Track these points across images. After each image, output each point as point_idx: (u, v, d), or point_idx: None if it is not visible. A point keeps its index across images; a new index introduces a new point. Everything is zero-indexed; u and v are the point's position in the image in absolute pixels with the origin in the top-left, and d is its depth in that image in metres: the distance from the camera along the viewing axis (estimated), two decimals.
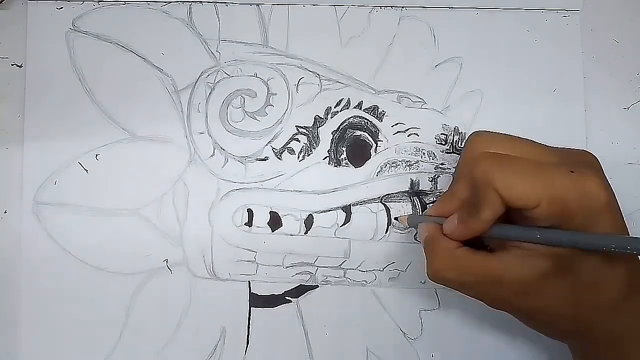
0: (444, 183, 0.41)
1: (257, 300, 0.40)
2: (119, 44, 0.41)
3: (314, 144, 0.41)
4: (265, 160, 0.41)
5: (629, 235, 0.31)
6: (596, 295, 0.31)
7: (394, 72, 0.42)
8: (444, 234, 0.33)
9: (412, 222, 0.39)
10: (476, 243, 0.33)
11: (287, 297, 0.40)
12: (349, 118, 0.41)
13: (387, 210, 0.41)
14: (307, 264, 0.40)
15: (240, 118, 0.41)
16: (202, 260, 0.40)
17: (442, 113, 0.41)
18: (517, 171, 0.30)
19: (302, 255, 0.40)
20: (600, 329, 0.32)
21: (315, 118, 0.41)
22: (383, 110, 0.41)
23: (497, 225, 0.31)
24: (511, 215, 0.31)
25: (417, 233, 0.39)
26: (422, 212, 0.40)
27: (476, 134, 0.34)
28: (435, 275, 0.33)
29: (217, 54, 0.41)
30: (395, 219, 0.40)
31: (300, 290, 0.40)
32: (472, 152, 0.33)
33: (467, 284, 0.32)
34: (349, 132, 0.41)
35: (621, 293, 0.31)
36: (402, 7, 0.42)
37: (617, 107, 0.42)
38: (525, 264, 0.31)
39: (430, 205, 0.40)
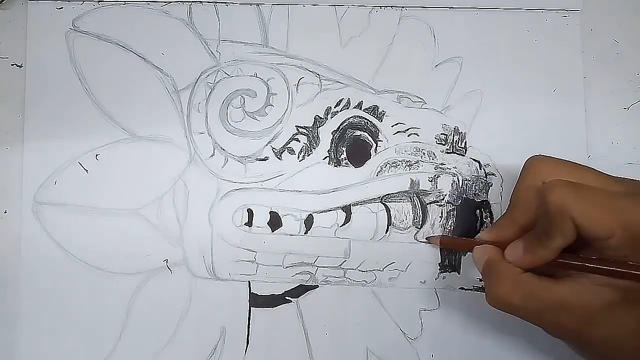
0: (443, 183, 0.41)
1: (257, 300, 0.40)
2: (119, 44, 0.41)
3: (314, 144, 0.41)
4: (265, 160, 0.41)
5: None
6: None
7: (394, 72, 0.42)
8: (507, 261, 0.33)
9: (447, 244, 0.39)
10: (536, 270, 0.33)
11: (287, 297, 0.40)
12: (349, 118, 0.41)
13: (387, 210, 0.41)
14: (307, 264, 0.40)
15: (240, 118, 0.41)
16: (202, 260, 0.40)
17: (442, 113, 0.41)
18: (593, 200, 0.30)
19: (302, 255, 0.40)
20: None
21: (315, 118, 0.41)
22: (383, 110, 0.41)
23: (566, 254, 0.31)
24: (576, 242, 0.31)
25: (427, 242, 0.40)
26: (421, 212, 0.40)
27: (536, 158, 0.34)
28: (498, 301, 0.32)
29: (217, 54, 0.41)
30: (427, 239, 0.40)
31: (300, 290, 0.40)
32: (538, 177, 0.33)
33: (531, 310, 0.32)
34: (349, 132, 0.41)
35: None
36: (402, 7, 0.42)
37: (617, 107, 0.42)
38: (592, 292, 0.30)
39: (483, 229, 0.39)
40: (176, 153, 0.41)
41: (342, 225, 0.41)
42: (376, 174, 0.41)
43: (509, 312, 0.32)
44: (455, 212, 0.41)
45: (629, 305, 0.30)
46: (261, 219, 0.40)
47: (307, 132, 0.41)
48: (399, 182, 0.41)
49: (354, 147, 0.41)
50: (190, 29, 0.41)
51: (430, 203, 0.41)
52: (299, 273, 0.40)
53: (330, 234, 0.40)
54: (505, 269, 0.33)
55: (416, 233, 0.40)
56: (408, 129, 0.41)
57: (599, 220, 0.30)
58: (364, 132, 0.41)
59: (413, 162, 0.41)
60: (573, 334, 0.32)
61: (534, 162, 0.34)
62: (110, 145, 0.41)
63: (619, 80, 0.43)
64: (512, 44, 0.42)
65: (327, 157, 0.41)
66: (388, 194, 0.41)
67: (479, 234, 0.37)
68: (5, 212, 0.40)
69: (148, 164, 0.40)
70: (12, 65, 0.41)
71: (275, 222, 0.40)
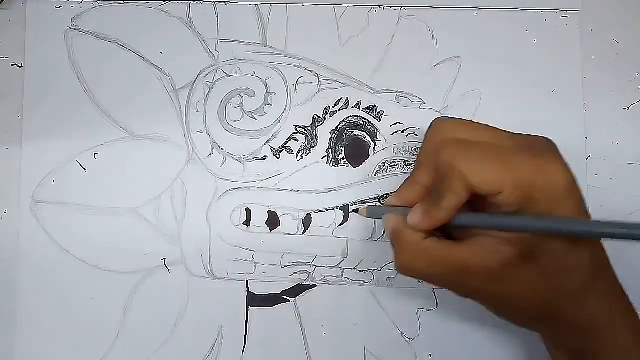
0: None
1: (255, 300, 0.40)
2: (117, 43, 0.41)
3: (313, 144, 0.41)
4: (263, 159, 0.41)
5: (590, 218, 0.31)
6: (563, 280, 0.31)
7: (392, 72, 0.42)
8: (410, 225, 0.33)
9: (373, 213, 0.37)
10: (443, 233, 0.33)
11: (285, 297, 0.40)
12: (347, 118, 0.41)
13: None
14: (305, 263, 0.40)
15: (238, 117, 0.41)
16: (199, 259, 0.40)
17: (441, 113, 0.41)
18: (481, 157, 0.30)
19: (300, 254, 0.40)
20: (569, 314, 0.31)
21: (313, 117, 0.41)
22: (382, 110, 0.41)
23: (461, 214, 0.31)
24: (474, 203, 0.31)
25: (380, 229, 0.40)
26: None
27: (439, 119, 0.34)
28: (403, 268, 0.33)
29: (215, 53, 0.41)
30: (354, 211, 0.40)
31: (298, 290, 0.40)
32: (435, 138, 0.33)
33: (436, 275, 0.32)
34: (348, 132, 0.41)
35: (586, 277, 0.31)
36: (401, 6, 0.42)
37: (617, 107, 0.42)
38: (491, 252, 0.31)
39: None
40: (174, 152, 0.41)
41: (340, 225, 0.40)
42: (374, 173, 0.41)
43: (417, 278, 0.33)
44: None
45: (527, 260, 0.30)
46: (259, 218, 0.40)
47: (305, 132, 0.41)
48: (397, 182, 0.41)
49: (353, 146, 0.41)
50: (189, 28, 0.41)
51: None
52: (297, 272, 0.40)
53: (329, 233, 0.40)
54: (408, 236, 0.33)
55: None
56: (406, 129, 0.41)
57: (487, 176, 0.30)
58: (362, 131, 0.41)
59: (411, 162, 0.41)
60: (479, 295, 0.32)
61: (435, 123, 0.34)
62: (108, 144, 0.41)
63: (618, 80, 0.42)
64: (512, 44, 0.42)
65: (325, 156, 0.41)
66: (386, 194, 0.40)
67: (387, 199, 0.36)
68: (5, 212, 0.40)
69: (146, 163, 0.41)
70: (12, 65, 0.41)
71: (273, 221, 0.40)
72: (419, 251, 0.32)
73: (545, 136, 0.33)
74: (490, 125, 0.33)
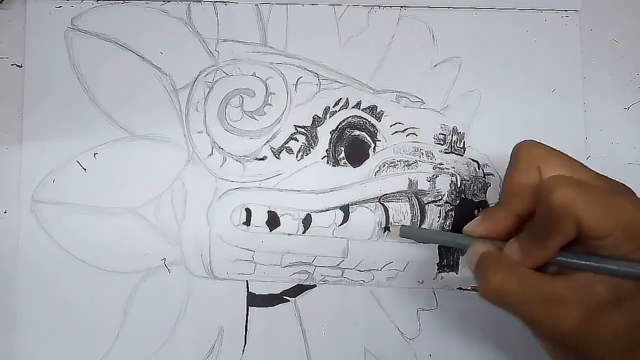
0: (442, 183, 0.41)
1: (255, 300, 0.40)
2: (117, 43, 0.41)
3: (313, 144, 0.41)
4: (263, 159, 0.41)
5: None
6: None
7: (392, 72, 0.42)
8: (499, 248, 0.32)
9: (406, 234, 0.38)
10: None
11: (285, 297, 0.40)
12: (347, 118, 0.41)
13: (386, 210, 0.40)
14: (305, 263, 0.40)
15: (238, 117, 0.41)
16: (199, 260, 0.40)
17: (441, 113, 0.41)
18: (597, 200, 0.30)
19: (300, 254, 0.40)
20: None
21: (313, 117, 0.41)
22: (382, 110, 0.41)
23: (563, 252, 0.31)
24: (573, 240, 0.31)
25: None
26: (419, 212, 0.40)
27: (530, 144, 0.33)
28: (492, 289, 0.31)
29: (215, 53, 0.41)
30: (387, 228, 0.40)
31: (298, 290, 0.40)
32: (532, 165, 0.32)
33: (526, 302, 0.30)
34: (348, 132, 0.41)
35: None
36: (401, 6, 0.42)
37: (617, 107, 0.42)
38: (589, 289, 0.30)
39: (475, 220, 0.35)
40: (174, 152, 0.41)
41: (340, 225, 0.40)
42: (374, 173, 0.41)
43: (503, 302, 0.31)
44: (453, 212, 0.40)
45: (621, 304, 0.30)
46: (259, 218, 0.40)
47: (305, 132, 0.41)
48: (397, 182, 0.41)
49: (353, 146, 0.41)
50: (189, 28, 0.41)
51: (428, 203, 0.41)
52: (297, 272, 0.40)
53: (329, 233, 0.40)
54: (503, 258, 0.32)
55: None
56: (407, 129, 0.41)
57: (601, 219, 0.29)
58: (362, 131, 0.41)
59: (411, 162, 0.41)
60: (564, 333, 0.30)
61: (526, 148, 0.33)
62: (108, 144, 0.41)
63: (619, 80, 0.42)
64: (511, 44, 0.42)
65: (325, 156, 0.41)
66: (386, 194, 0.40)
67: (467, 226, 0.35)
68: (5, 212, 0.40)
69: (146, 163, 0.41)
70: (12, 65, 0.41)
71: (273, 221, 0.40)
72: (514, 272, 0.31)
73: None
74: (579, 161, 0.33)
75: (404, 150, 0.41)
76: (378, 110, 0.41)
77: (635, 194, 0.32)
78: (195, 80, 0.41)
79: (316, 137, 0.41)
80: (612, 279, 0.30)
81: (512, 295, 0.30)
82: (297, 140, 0.41)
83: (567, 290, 0.30)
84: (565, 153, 0.33)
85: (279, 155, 0.41)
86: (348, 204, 0.41)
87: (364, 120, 0.41)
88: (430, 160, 0.41)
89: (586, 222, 0.29)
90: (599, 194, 0.30)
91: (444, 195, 0.41)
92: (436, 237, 0.39)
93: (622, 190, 0.32)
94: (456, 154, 0.41)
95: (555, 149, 0.33)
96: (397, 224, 0.40)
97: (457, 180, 0.41)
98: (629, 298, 0.30)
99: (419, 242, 0.40)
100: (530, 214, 0.32)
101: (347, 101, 0.41)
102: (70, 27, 0.41)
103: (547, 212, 0.30)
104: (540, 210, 0.31)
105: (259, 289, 0.40)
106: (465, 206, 0.40)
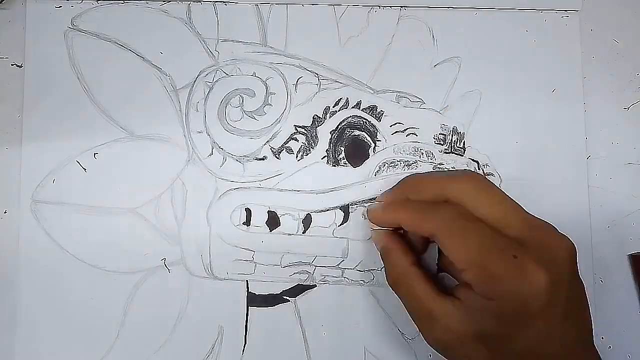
0: None
1: (255, 300, 0.40)
2: (117, 43, 0.41)
3: (313, 144, 0.41)
4: (263, 159, 0.41)
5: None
6: None
7: (392, 72, 0.42)
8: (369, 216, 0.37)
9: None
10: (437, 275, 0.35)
11: (285, 297, 0.40)
12: (347, 118, 0.41)
13: None
14: (305, 263, 0.40)
15: (238, 117, 0.41)
16: (199, 260, 0.40)
17: (441, 113, 0.41)
18: (468, 230, 0.31)
19: (300, 254, 0.40)
20: None
21: (313, 117, 0.41)
22: (382, 110, 0.41)
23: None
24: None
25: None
26: None
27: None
28: (390, 284, 0.35)
29: (215, 53, 0.41)
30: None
31: (298, 290, 0.40)
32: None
33: (408, 305, 0.34)
34: (348, 132, 0.41)
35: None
36: (401, 6, 0.42)
37: (617, 107, 0.42)
38: (460, 317, 0.32)
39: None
40: (174, 152, 0.41)
41: (340, 225, 0.40)
42: (374, 173, 0.41)
43: (398, 295, 0.35)
44: None
45: (483, 343, 0.32)
46: (259, 218, 0.40)
47: (305, 132, 0.41)
48: (397, 182, 0.40)
49: (353, 146, 0.41)
50: (189, 28, 0.41)
51: None
52: (297, 272, 0.40)
53: (329, 233, 0.40)
54: (395, 258, 0.35)
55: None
56: (407, 129, 0.41)
57: (459, 249, 0.31)
58: (362, 131, 0.41)
59: (411, 162, 0.41)
60: (430, 342, 0.33)
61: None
62: (108, 144, 0.41)
63: (619, 80, 0.43)
64: (511, 44, 0.42)
65: (325, 156, 0.41)
66: None
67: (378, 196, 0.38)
68: (5, 212, 0.40)
69: (146, 162, 0.40)
70: (12, 65, 0.41)
71: (273, 221, 0.40)
72: (402, 276, 0.34)
73: (570, 240, 0.32)
74: (518, 205, 0.33)
75: (404, 150, 0.41)
76: (378, 110, 0.41)
77: (560, 257, 0.32)
78: (195, 80, 0.41)
79: (316, 137, 0.41)
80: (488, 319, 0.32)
81: (399, 296, 0.35)
82: (297, 140, 0.41)
83: (437, 309, 0.32)
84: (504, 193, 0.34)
85: (279, 155, 0.41)
86: (348, 204, 0.41)
87: (364, 120, 0.41)
88: (430, 160, 0.41)
89: (444, 244, 0.32)
90: (482, 230, 0.32)
91: None
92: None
93: (532, 246, 0.31)
94: (456, 154, 0.41)
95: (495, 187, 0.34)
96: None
97: None
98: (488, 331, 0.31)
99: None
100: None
101: (347, 101, 0.41)
102: (70, 27, 0.41)
103: (429, 212, 0.34)
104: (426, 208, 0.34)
105: (259, 289, 0.40)
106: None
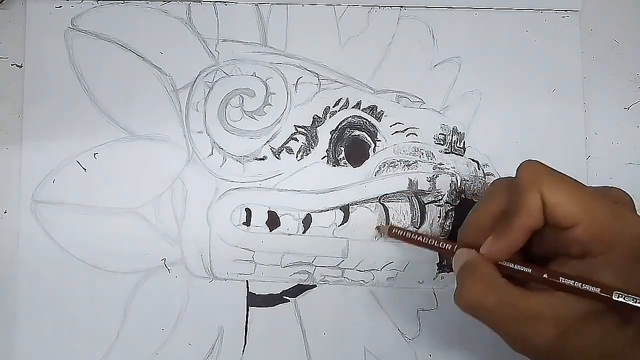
0: (442, 183, 0.41)
1: (255, 300, 0.40)
2: (117, 43, 0.41)
3: (313, 144, 0.41)
4: (263, 159, 0.41)
5: None
6: (621, 336, 0.29)
7: (392, 72, 0.42)
8: (482, 254, 0.32)
9: (393, 234, 0.39)
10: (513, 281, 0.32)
11: (285, 297, 0.40)
12: (347, 118, 0.41)
13: (386, 210, 0.40)
14: (305, 263, 0.40)
15: (238, 117, 0.41)
16: (200, 260, 0.40)
17: (441, 113, 0.41)
18: (565, 182, 0.30)
19: (300, 254, 0.40)
20: None
21: (313, 117, 0.41)
22: (382, 110, 0.41)
23: (532, 264, 0.31)
24: (544, 240, 0.31)
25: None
26: (420, 212, 0.40)
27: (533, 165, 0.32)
28: (469, 301, 0.31)
29: (215, 53, 0.41)
30: (377, 228, 0.40)
31: (298, 290, 0.40)
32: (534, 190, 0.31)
33: (502, 317, 0.30)
34: (348, 132, 0.41)
35: (636, 334, 0.30)
36: (401, 6, 0.42)
37: (617, 107, 0.42)
38: (567, 304, 0.30)
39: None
40: (174, 152, 0.41)
41: (340, 225, 0.40)
42: (374, 173, 0.41)
43: (478, 314, 0.31)
44: (453, 212, 0.40)
45: (595, 318, 0.29)
46: (259, 218, 0.40)
47: (305, 132, 0.41)
48: (397, 182, 0.41)
49: (353, 146, 0.41)
50: (189, 28, 0.41)
51: (428, 203, 0.41)
52: (297, 272, 0.40)
53: (329, 233, 0.40)
54: (484, 270, 0.31)
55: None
56: (407, 129, 0.41)
57: (567, 201, 0.29)
58: (362, 131, 0.41)
59: (411, 162, 0.41)
60: (539, 348, 0.30)
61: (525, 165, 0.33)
62: (108, 144, 0.41)
63: (619, 80, 0.42)
64: (511, 44, 0.42)
65: (325, 156, 0.41)
66: (386, 194, 0.40)
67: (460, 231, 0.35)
68: (5, 212, 0.40)
69: (146, 163, 0.40)
70: (12, 65, 0.41)
71: (273, 221, 0.40)
72: (493, 287, 0.31)
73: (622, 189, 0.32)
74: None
75: (404, 150, 0.41)
76: (378, 110, 0.41)
77: (632, 206, 0.32)
78: (195, 80, 0.41)
79: (316, 137, 0.41)
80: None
81: (487, 309, 0.30)
82: (297, 140, 0.41)
83: (544, 307, 0.30)
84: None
85: (279, 155, 0.41)
86: (348, 204, 0.41)
87: (364, 120, 0.41)
88: (430, 160, 0.41)
89: (551, 198, 0.29)
90: (570, 182, 0.30)
91: (444, 195, 0.41)
92: (422, 240, 0.38)
93: (613, 196, 0.31)
94: (456, 154, 0.41)
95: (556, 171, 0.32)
96: (389, 225, 0.40)
97: (457, 180, 0.41)
98: (602, 312, 0.29)
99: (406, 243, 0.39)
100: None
101: (347, 101, 0.41)
102: (70, 27, 0.41)
103: (515, 190, 0.31)
104: (510, 194, 0.31)
105: (259, 289, 0.40)
106: (465, 206, 0.40)
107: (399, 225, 0.40)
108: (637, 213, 0.31)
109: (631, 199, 0.32)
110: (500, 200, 0.33)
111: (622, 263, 0.29)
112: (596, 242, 0.29)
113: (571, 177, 0.31)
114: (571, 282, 0.30)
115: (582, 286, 0.29)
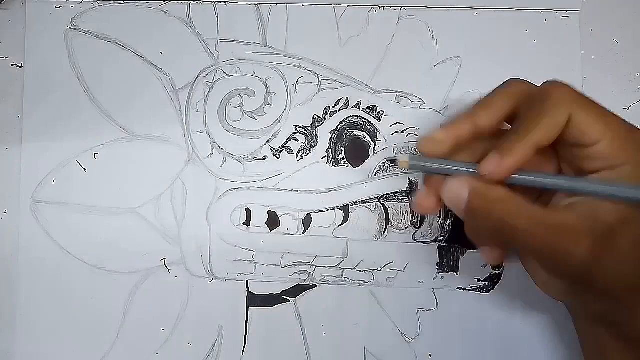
0: None
1: (255, 300, 0.40)
2: (117, 43, 0.41)
3: (313, 144, 0.41)
4: (263, 159, 0.41)
5: None
6: None
7: (392, 72, 0.42)
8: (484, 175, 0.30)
9: (416, 165, 0.34)
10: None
11: (285, 297, 0.40)
12: (347, 118, 0.41)
13: (386, 210, 0.40)
14: (305, 263, 0.40)
15: (238, 117, 0.41)
16: (199, 260, 0.40)
17: (441, 113, 0.41)
18: (592, 105, 0.30)
19: (300, 254, 0.40)
20: None
21: (313, 117, 0.41)
22: (382, 110, 0.41)
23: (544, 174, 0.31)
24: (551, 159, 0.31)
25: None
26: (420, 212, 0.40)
27: (563, 87, 0.32)
28: (498, 224, 0.29)
29: (215, 53, 0.41)
30: (391, 161, 0.39)
31: (298, 290, 0.40)
32: (564, 110, 0.31)
33: (537, 238, 0.28)
34: (348, 132, 0.41)
35: None
36: (401, 6, 0.42)
37: (617, 107, 0.42)
38: (595, 216, 0.29)
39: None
40: (174, 152, 0.41)
41: (340, 225, 0.40)
42: (374, 174, 0.41)
43: (508, 240, 0.29)
44: (453, 212, 0.40)
45: (626, 227, 0.29)
46: (259, 218, 0.40)
47: (305, 132, 0.41)
48: (397, 182, 0.41)
49: (353, 146, 0.41)
50: (189, 28, 0.41)
51: None
52: (297, 272, 0.40)
53: (329, 233, 0.40)
54: (500, 191, 0.30)
55: (414, 233, 0.40)
56: (407, 129, 0.41)
57: (593, 121, 0.30)
58: (362, 131, 0.41)
59: None
60: (577, 264, 0.29)
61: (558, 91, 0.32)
62: (108, 144, 0.41)
63: (619, 80, 0.42)
64: (511, 44, 0.42)
65: (325, 156, 0.41)
66: (386, 194, 0.40)
67: (434, 132, 0.33)
68: (5, 212, 0.40)
69: (146, 163, 0.41)
70: (12, 65, 0.41)
71: (273, 221, 0.40)
72: (519, 205, 0.29)
73: None
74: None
75: (404, 150, 0.41)
76: (378, 110, 0.41)
77: None
78: (195, 80, 0.41)
79: (316, 137, 0.41)
80: (615, 204, 0.29)
81: (522, 234, 0.29)
82: (297, 140, 0.41)
83: (575, 220, 0.29)
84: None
85: (279, 155, 0.41)
86: (348, 204, 0.41)
87: (364, 120, 0.41)
88: None
89: (577, 118, 0.30)
90: (598, 105, 0.31)
91: None
92: (445, 166, 0.33)
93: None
94: None
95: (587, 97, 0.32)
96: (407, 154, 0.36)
97: None
98: (632, 218, 0.29)
99: (428, 172, 0.36)
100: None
101: (347, 101, 0.41)
102: (70, 27, 0.41)
103: (542, 101, 0.30)
104: (532, 103, 0.31)
105: (259, 289, 0.40)
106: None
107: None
108: None
109: None
110: (512, 103, 0.32)
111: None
112: (618, 157, 0.30)
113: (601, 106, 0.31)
114: (605, 186, 0.29)
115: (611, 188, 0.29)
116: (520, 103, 0.32)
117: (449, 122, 0.33)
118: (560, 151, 0.33)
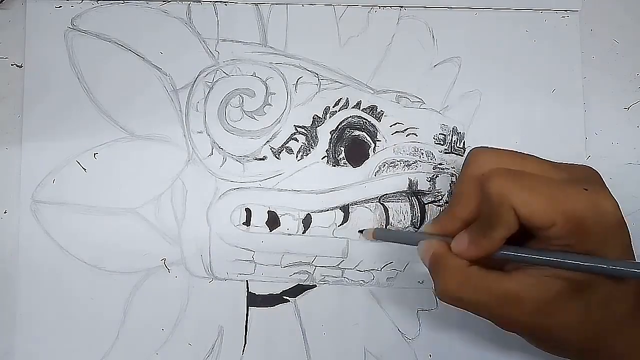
0: (442, 183, 0.41)
1: (255, 300, 0.40)
2: (117, 43, 0.41)
3: (313, 144, 0.41)
4: (263, 159, 0.41)
5: (633, 256, 0.31)
6: (608, 312, 0.30)
7: (392, 72, 0.42)
8: (454, 253, 0.32)
9: (381, 236, 0.38)
10: (484, 264, 0.32)
11: (285, 297, 0.40)
12: (347, 118, 0.41)
13: (386, 210, 0.40)
14: (305, 263, 0.40)
15: (238, 117, 0.41)
16: (200, 260, 0.40)
17: (441, 113, 0.41)
18: (533, 189, 0.30)
19: (300, 254, 0.40)
20: (610, 345, 0.31)
21: (313, 117, 0.41)
22: (382, 110, 0.41)
23: (508, 247, 0.31)
24: (521, 234, 0.31)
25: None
26: (419, 212, 0.40)
27: (479, 149, 0.33)
28: (447, 295, 0.32)
29: (215, 53, 0.41)
30: (360, 231, 0.40)
31: (298, 290, 0.40)
32: (478, 169, 0.32)
33: (481, 304, 0.31)
34: (348, 132, 0.41)
35: (629, 310, 0.31)
36: (401, 6, 0.42)
37: (617, 107, 0.42)
38: (541, 284, 0.30)
39: (429, 222, 0.39)
40: (174, 152, 0.41)
41: (340, 225, 0.40)
42: (374, 174, 0.41)
43: (460, 306, 0.32)
44: None
45: (576, 293, 0.30)
46: (259, 218, 0.40)
47: (305, 132, 0.41)
48: (397, 182, 0.41)
49: (353, 146, 0.41)
50: (189, 28, 0.41)
51: (428, 203, 0.41)
52: (297, 272, 0.40)
53: (329, 233, 0.40)
54: (453, 262, 0.32)
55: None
56: (406, 129, 0.41)
57: (539, 208, 0.29)
58: (362, 132, 0.41)
59: (411, 162, 0.41)
60: (524, 327, 0.32)
61: (475, 153, 0.33)
62: (108, 144, 0.41)
63: (619, 80, 0.42)
64: (511, 44, 0.42)
65: (325, 156, 0.41)
66: (386, 194, 0.40)
67: (421, 228, 0.36)
68: (5, 212, 0.40)
69: (146, 163, 0.41)
70: (11, 65, 0.41)
71: (273, 221, 0.40)
72: (466, 278, 0.31)
73: (589, 165, 0.33)
74: (534, 155, 0.33)
75: (404, 150, 0.41)
76: (378, 110, 0.41)
77: (601, 183, 0.32)
78: (195, 81, 0.41)
79: (316, 137, 0.41)
80: (565, 272, 0.30)
81: (466, 300, 0.31)
82: (297, 140, 0.41)
83: (517, 287, 0.30)
84: (517, 151, 0.33)
85: (279, 155, 0.41)
86: (348, 204, 0.41)
87: (364, 120, 0.41)
88: (430, 160, 0.41)
89: (523, 211, 0.29)
90: (538, 182, 0.30)
91: (444, 195, 0.41)
92: (406, 237, 0.38)
93: (581, 180, 0.31)
94: (456, 154, 0.41)
95: (504, 149, 0.33)
96: (371, 228, 0.40)
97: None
98: (585, 285, 0.30)
99: (393, 242, 0.39)
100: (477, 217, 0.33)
101: (347, 101, 0.41)
102: (70, 27, 0.41)
103: (487, 203, 0.31)
104: (482, 202, 0.31)
105: (259, 289, 0.40)
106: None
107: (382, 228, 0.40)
108: (606, 188, 0.31)
109: (598, 173, 0.33)
110: (469, 205, 0.33)
111: (600, 247, 0.30)
112: (572, 235, 0.30)
113: (537, 175, 0.31)
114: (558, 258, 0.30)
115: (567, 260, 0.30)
116: (479, 203, 0.32)
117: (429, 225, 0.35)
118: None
